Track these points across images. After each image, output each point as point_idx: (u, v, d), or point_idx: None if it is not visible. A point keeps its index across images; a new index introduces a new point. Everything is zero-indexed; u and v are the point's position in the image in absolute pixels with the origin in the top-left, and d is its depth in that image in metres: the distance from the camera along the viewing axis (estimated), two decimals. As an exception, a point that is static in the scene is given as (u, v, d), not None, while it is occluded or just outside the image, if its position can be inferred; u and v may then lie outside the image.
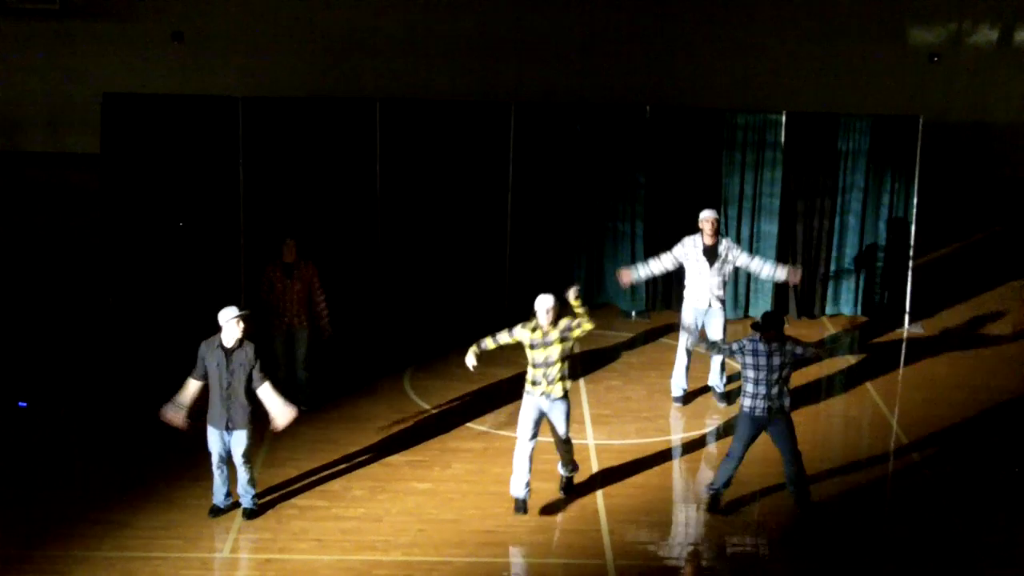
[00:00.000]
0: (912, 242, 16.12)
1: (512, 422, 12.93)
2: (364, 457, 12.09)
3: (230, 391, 10.52)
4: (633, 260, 16.22)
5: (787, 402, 10.93)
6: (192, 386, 10.65)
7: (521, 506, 11.01)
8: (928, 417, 13.43)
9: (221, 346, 10.55)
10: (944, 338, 15.89)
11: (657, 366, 14.57)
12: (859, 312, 16.43)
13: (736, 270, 14.05)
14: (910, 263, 16.17)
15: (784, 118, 15.93)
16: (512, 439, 12.54)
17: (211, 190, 15.77)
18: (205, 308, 15.82)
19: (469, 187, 16.04)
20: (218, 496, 10.90)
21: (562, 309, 10.89)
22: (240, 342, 10.55)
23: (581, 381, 14.11)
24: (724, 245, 13.21)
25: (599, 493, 11.49)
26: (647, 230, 16.17)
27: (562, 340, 10.81)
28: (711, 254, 13.14)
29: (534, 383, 10.93)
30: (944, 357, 15.17)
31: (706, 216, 13.16)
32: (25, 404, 13.00)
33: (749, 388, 10.93)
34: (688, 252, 13.19)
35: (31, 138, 22.46)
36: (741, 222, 16.15)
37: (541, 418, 10.97)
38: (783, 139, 15.93)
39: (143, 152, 15.73)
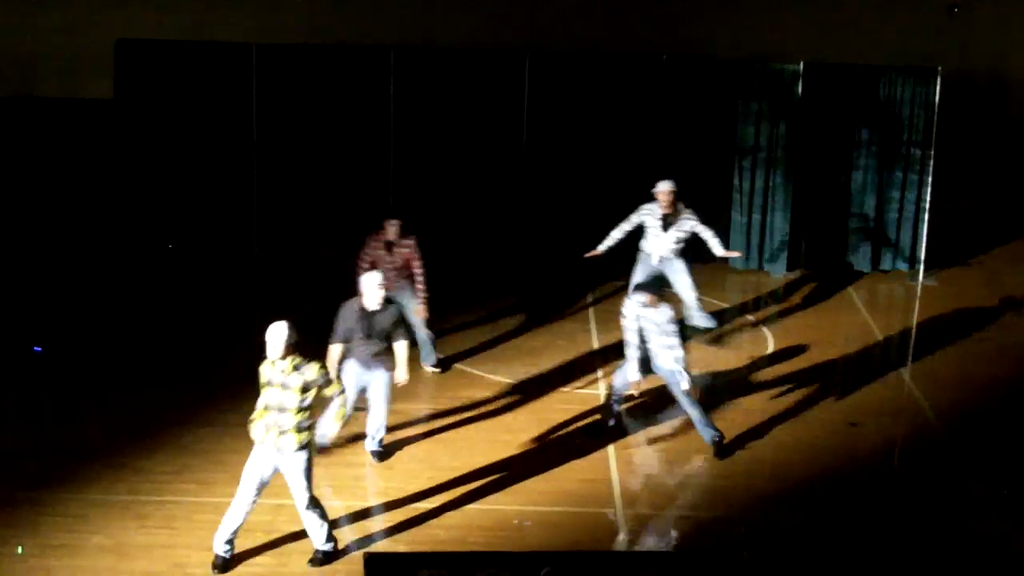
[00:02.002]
0: (929, 194, 16.05)
1: (527, 371, 13.00)
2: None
3: (374, 346, 10.67)
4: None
5: (669, 358, 11.13)
6: (335, 351, 10.66)
7: (219, 564, 9.37)
8: (940, 369, 13.43)
9: (363, 309, 10.63)
10: (958, 290, 15.85)
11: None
12: (874, 264, 16.38)
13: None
14: (926, 215, 16.11)
15: (801, 69, 15.82)
16: (526, 387, 12.62)
17: (225, 136, 15.78)
18: (219, 254, 15.93)
19: (483, 135, 16.00)
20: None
21: (297, 348, 9.17)
22: (383, 305, 10.68)
23: (593, 335, 14.10)
24: (682, 216, 13.39)
25: (609, 444, 11.53)
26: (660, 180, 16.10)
27: (303, 390, 9.13)
28: (668, 221, 13.39)
29: (266, 428, 9.20)
30: (958, 310, 15.14)
31: (662, 189, 13.37)
32: (40, 349, 13.08)
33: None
34: (645, 218, 13.49)
35: (46, 84, 22.45)
36: (756, 173, 16.08)
37: (271, 475, 9.38)
38: (800, 90, 15.82)
39: (157, 99, 15.73)
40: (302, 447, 9.21)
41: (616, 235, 13.63)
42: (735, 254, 13.96)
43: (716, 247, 13.50)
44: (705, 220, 13.47)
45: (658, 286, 11.50)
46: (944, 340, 14.27)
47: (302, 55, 15.91)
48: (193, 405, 11.86)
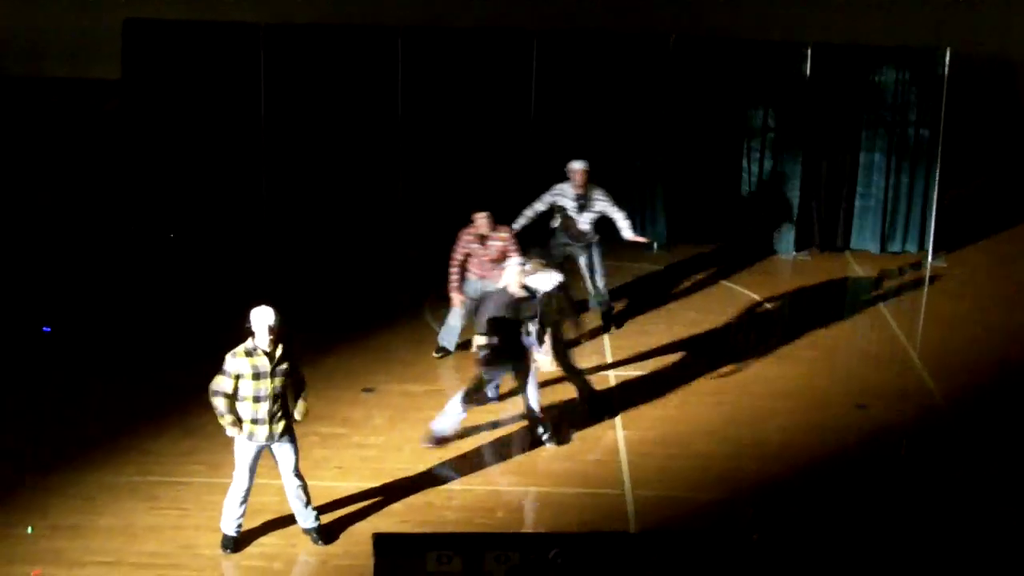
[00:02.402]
0: (937, 176, 16.01)
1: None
2: (385, 387, 12.16)
3: (518, 334, 10.71)
4: (654, 193, 16.15)
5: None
6: (482, 340, 10.69)
7: (229, 543, 9.42)
8: (949, 351, 13.43)
9: (509, 298, 10.62)
10: (967, 274, 15.83)
11: (676, 298, 14.60)
12: (883, 246, 16.35)
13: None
14: (935, 198, 16.08)
15: (809, 50, 15.77)
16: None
17: (232, 116, 15.76)
18: (226, 236, 15.93)
19: (491, 116, 15.97)
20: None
21: (282, 332, 9.11)
22: (529, 294, 10.73)
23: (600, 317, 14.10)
24: (596, 194, 13.32)
25: (618, 424, 11.55)
26: (669, 162, 16.08)
27: (290, 373, 9.15)
28: (581, 201, 13.32)
29: (254, 421, 9.09)
30: (967, 293, 15.13)
31: (575, 168, 13.29)
32: (49, 329, 13.10)
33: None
34: (557, 197, 13.43)
35: (54, 64, 22.41)
36: (764, 155, 16.05)
37: (262, 451, 9.35)
38: (808, 71, 15.78)
39: (165, 78, 15.72)
40: (291, 425, 9.29)
41: (529, 214, 13.55)
42: (643, 239, 13.91)
43: (626, 230, 13.40)
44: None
45: (547, 256, 11.55)
46: (953, 322, 14.27)
47: (310, 36, 15.88)
48: (201, 387, 11.82)
